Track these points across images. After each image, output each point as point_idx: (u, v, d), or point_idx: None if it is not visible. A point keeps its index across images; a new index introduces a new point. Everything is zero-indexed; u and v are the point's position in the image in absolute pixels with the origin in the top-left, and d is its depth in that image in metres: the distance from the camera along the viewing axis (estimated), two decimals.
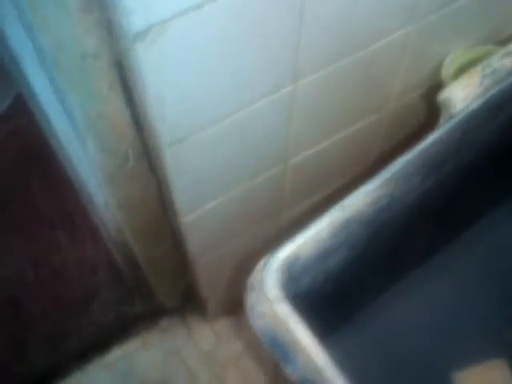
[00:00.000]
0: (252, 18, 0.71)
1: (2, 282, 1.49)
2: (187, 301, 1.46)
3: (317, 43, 0.81)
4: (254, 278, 0.73)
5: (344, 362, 0.65)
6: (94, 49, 0.71)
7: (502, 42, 1.07)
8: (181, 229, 1.06)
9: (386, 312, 0.95)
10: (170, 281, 1.35)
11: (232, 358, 1.46)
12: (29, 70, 0.76)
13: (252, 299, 0.71)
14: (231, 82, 0.77)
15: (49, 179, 1.60)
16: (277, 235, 1.27)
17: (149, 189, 1.02)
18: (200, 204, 1.01)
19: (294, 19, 0.75)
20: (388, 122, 1.08)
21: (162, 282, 1.34)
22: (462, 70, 0.99)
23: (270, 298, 0.69)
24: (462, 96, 0.94)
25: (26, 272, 1.50)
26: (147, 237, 1.14)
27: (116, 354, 1.45)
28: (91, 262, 1.50)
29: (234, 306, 1.48)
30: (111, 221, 1.09)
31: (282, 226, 1.24)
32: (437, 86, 1.03)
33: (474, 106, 0.89)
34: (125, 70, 0.75)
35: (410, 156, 0.81)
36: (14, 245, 1.53)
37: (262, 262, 0.74)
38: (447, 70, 0.98)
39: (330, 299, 0.83)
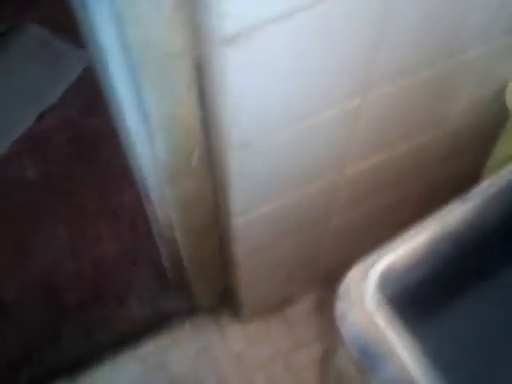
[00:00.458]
0: (336, 28, 0.73)
1: (42, 269, 1.52)
2: (223, 301, 1.48)
3: (391, 58, 0.83)
4: (348, 286, 0.74)
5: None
6: (178, 48, 0.73)
7: None
8: (231, 230, 1.08)
9: (473, 310, 0.92)
10: (210, 280, 1.37)
11: (262, 361, 1.47)
12: (111, 64, 0.78)
13: (344, 307, 0.73)
14: (305, 90, 0.79)
15: (95, 171, 1.62)
16: (322, 242, 1.29)
17: (205, 189, 1.03)
18: (254, 207, 1.02)
19: (373, 35, 0.77)
20: (449, 140, 1.09)
21: (202, 280, 1.36)
22: None
23: (366, 308, 0.70)
24: None
25: (67, 261, 1.52)
26: (196, 235, 1.16)
27: (148, 347, 1.47)
28: (131, 255, 1.52)
29: (269, 310, 1.50)
30: (164, 217, 1.11)
31: (328, 234, 1.25)
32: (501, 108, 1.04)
33: None
34: (203, 72, 0.77)
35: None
36: (57, 234, 1.55)
37: (355, 271, 0.76)
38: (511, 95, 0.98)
39: (417, 304, 0.83)
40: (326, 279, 1.52)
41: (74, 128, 1.67)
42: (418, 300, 0.79)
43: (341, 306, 0.73)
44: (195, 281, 1.35)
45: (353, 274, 0.75)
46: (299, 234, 1.20)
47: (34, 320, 1.46)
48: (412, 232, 0.78)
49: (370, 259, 0.76)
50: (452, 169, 1.22)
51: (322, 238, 1.27)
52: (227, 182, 0.94)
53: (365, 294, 0.71)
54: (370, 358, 0.67)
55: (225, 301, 1.48)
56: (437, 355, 0.67)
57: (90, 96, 1.72)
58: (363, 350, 0.68)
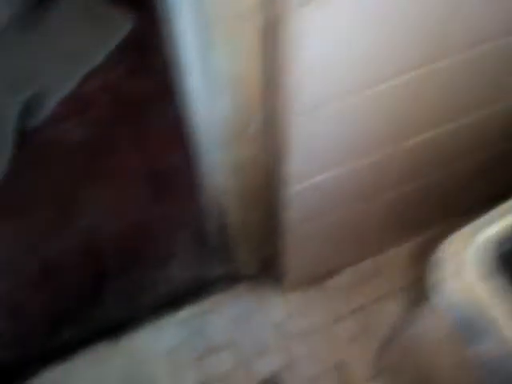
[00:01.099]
0: None
1: (84, 231, 1.52)
2: (264, 270, 1.47)
3: (464, 27, 0.79)
4: (444, 257, 0.73)
5: None
6: (251, 8, 0.71)
7: None
8: (284, 198, 1.06)
9: None
10: (254, 248, 1.36)
11: (301, 332, 1.47)
12: (182, 23, 0.76)
13: (440, 278, 0.71)
14: (377, 55, 0.76)
15: (138, 134, 1.62)
16: (370, 216, 1.27)
17: (260, 154, 1.02)
18: (311, 175, 1.01)
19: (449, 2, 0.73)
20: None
21: (246, 248, 1.35)
22: None
23: (466, 278, 0.68)
24: None
25: (109, 223, 1.52)
26: (247, 201, 1.15)
27: (188, 312, 1.47)
28: (174, 220, 1.52)
29: (310, 281, 1.49)
30: (217, 181, 1.09)
31: (378, 208, 1.22)
32: None
33: None
34: (275, 33, 0.74)
35: None
36: (99, 196, 1.55)
37: (451, 242, 0.74)
38: None
39: None
40: (368, 254, 1.51)
41: (117, 90, 1.65)
42: None
43: (436, 277, 0.72)
44: (239, 247, 1.34)
45: (449, 245, 0.74)
46: (350, 206, 1.18)
47: (76, 280, 1.47)
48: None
49: (466, 230, 0.74)
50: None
51: (371, 212, 1.25)
52: (286, 148, 0.92)
53: (464, 265, 0.69)
54: (468, 330, 0.65)
55: (266, 270, 1.47)
56: None
57: (133, 59, 1.71)
58: (461, 320, 0.66)
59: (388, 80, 0.82)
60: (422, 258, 1.51)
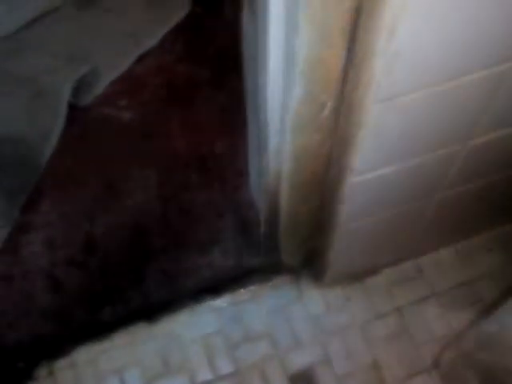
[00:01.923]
0: None
1: (129, 211, 1.53)
2: (306, 263, 1.47)
3: None
4: None
5: None
6: None
7: None
8: (344, 190, 1.06)
9: None
10: (299, 239, 1.36)
11: (338, 328, 1.46)
12: (271, 2, 0.75)
13: None
14: (465, 47, 0.76)
15: (188, 120, 1.62)
16: (422, 218, 1.26)
17: (325, 143, 1.01)
18: (374, 167, 1.00)
19: None
20: None
21: (292, 238, 1.35)
22: None
23: None
24: None
25: (154, 205, 1.53)
26: (302, 190, 1.14)
27: (226, 300, 1.47)
28: (218, 207, 1.52)
29: (351, 277, 1.48)
30: (274, 169, 1.09)
31: (435, 207, 1.21)
32: None
33: None
34: (365, 16, 0.74)
35: None
36: (146, 178, 1.56)
37: None
38: None
39: None
40: (411, 254, 1.50)
41: (171, 73, 1.66)
42: None
43: None
44: (285, 238, 1.34)
45: None
46: (404, 203, 1.18)
47: (119, 260, 1.48)
48: None
49: None
50: None
51: (423, 211, 1.24)
52: (356, 137, 0.91)
53: None
54: None
55: (308, 263, 1.46)
56: None
57: (188, 42, 1.71)
58: None
59: (470, 73, 0.81)
60: (465, 262, 1.52)
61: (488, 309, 1.32)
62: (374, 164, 0.98)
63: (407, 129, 0.90)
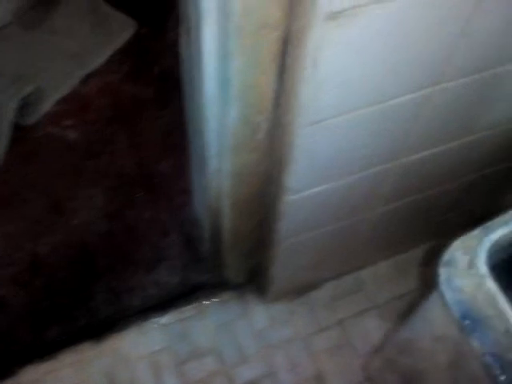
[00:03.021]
0: (429, 15, 0.74)
1: (75, 230, 1.53)
2: (250, 279, 1.50)
3: (470, 54, 0.84)
4: (454, 254, 0.79)
5: None
6: (275, 20, 0.75)
7: None
8: (279, 207, 1.10)
9: None
10: (243, 256, 1.39)
11: (283, 342, 1.49)
12: (203, 31, 0.79)
13: (449, 273, 0.77)
14: (390, 73, 0.81)
15: (133, 139, 1.64)
16: (359, 231, 1.31)
17: (262, 163, 1.05)
18: (308, 186, 1.04)
19: (459, 27, 0.78)
20: (500, 141, 1.11)
21: (236, 255, 1.38)
22: None
23: (475, 274, 0.73)
24: None
25: (100, 224, 1.54)
26: (242, 209, 1.18)
27: (173, 316, 1.49)
28: (164, 224, 1.54)
29: (294, 292, 1.52)
30: (215, 186, 1.12)
31: (367, 223, 1.27)
32: None
33: None
34: (293, 45, 0.78)
35: None
36: (92, 196, 1.57)
37: (461, 241, 0.81)
38: None
39: None
40: (351, 268, 1.55)
41: (116, 93, 1.68)
42: None
43: (446, 272, 0.77)
44: (229, 255, 1.37)
45: (459, 244, 0.80)
46: (341, 219, 1.22)
47: (65, 278, 1.48)
48: None
49: (476, 232, 0.81)
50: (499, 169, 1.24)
51: (360, 226, 1.29)
52: (289, 158, 0.95)
53: (474, 262, 0.74)
54: (474, 322, 0.70)
55: (252, 279, 1.50)
56: None
57: (133, 64, 1.74)
58: (468, 313, 0.71)
59: (395, 98, 0.87)
60: (403, 275, 1.58)
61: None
62: (308, 183, 1.03)
63: (337, 149, 0.95)
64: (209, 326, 1.50)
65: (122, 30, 1.72)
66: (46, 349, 1.42)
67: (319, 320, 1.52)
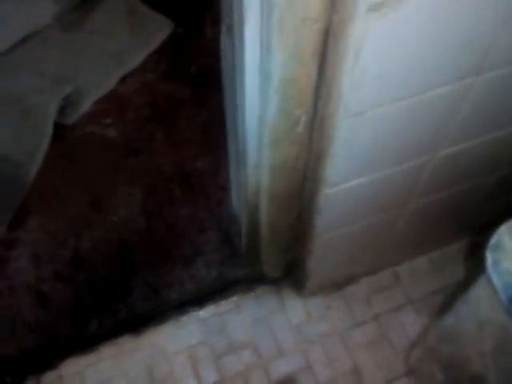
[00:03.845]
0: (469, 6, 0.75)
1: (114, 226, 1.57)
2: (287, 273, 1.51)
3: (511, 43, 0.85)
4: (501, 238, 0.80)
5: None
6: (316, 13, 0.76)
7: None
8: (318, 200, 1.11)
9: None
10: (280, 250, 1.40)
11: (319, 336, 1.50)
12: (245, 25, 0.81)
13: (497, 257, 0.78)
14: (430, 64, 0.82)
15: (171, 137, 1.67)
16: (394, 227, 1.31)
17: (301, 156, 1.07)
18: (347, 179, 1.05)
19: (499, 16, 0.79)
20: None
21: (273, 250, 1.39)
22: None
23: None
24: None
25: (139, 220, 1.57)
26: (280, 204, 1.19)
27: (210, 310, 1.51)
28: (202, 221, 1.56)
29: (331, 286, 1.53)
30: (254, 181, 1.14)
31: (408, 217, 1.27)
32: None
33: None
34: (334, 37, 0.80)
35: None
36: (131, 194, 1.60)
37: (506, 227, 0.82)
38: None
39: None
40: (387, 263, 1.55)
41: (153, 92, 1.71)
42: None
43: (493, 256, 0.78)
44: (266, 249, 1.39)
45: (506, 228, 0.81)
46: (378, 213, 1.23)
47: (105, 274, 1.51)
48: None
49: None
50: None
51: (395, 221, 1.30)
52: (329, 151, 0.96)
53: None
54: None
55: (289, 273, 1.51)
56: None
57: (171, 62, 1.77)
58: None
59: (435, 89, 0.87)
60: (439, 270, 1.57)
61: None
62: (346, 176, 1.04)
63: (377, 141, 0.96)
64: (246, 320, 1.52)
65: (160, 30, 1.75)
66: (86, 342, 1.46)
67: (355, 315, 1.53)
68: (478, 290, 0.83)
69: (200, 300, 1.51)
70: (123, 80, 1.72)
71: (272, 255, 1.42)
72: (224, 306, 1.53)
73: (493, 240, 0.77)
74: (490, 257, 0.76)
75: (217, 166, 1.60)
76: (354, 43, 0.75)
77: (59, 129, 1.67)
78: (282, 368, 1.48)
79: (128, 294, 1.50)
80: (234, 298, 1.53)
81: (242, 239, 1.44)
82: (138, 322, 1.48)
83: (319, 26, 0.79)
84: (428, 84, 0.86)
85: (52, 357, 1.45)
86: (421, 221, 1.33)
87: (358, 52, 0.76)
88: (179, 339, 1.49)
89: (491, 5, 0.77)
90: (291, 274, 1.51)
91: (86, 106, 1.67)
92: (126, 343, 1.48)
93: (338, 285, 1.54)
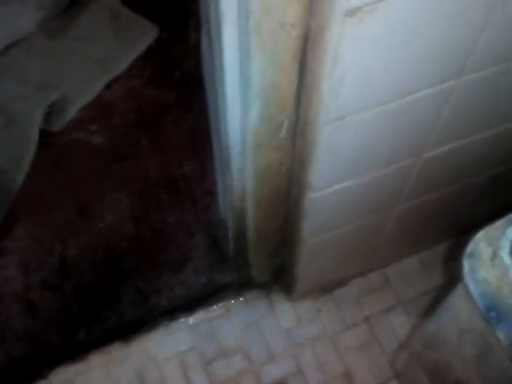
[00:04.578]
0: (448, 9, 0.74)
1: (102, 233, 1.56)
2: (276, 278, 1.51)
3: (490, 46, 0.84)
4: (477, 246, 0.79)
5: None
6: (293, 18, 0.76)
7: None
8: (303, 205, 1.11)
9: None
10: (268, 255, 1.40)
11: (310, 340, 1.50)
12: (223, 30, 0.80)
13: (473, 265, 0.77)
14: (410, 68, 0.81)
15: (157, 142, 1.66)
16: (381, 229, 1.31)
17: (285, 161, 1.06)
18: (331, 183, 1.05)
19: (480, 20, 0.79)
20: None
21: (261, 254, 1.39)
22: None
23: (500, 265, 0.73)
24: None
25: (126, 226, 1.56)
26: (266, 208, 1.19)
27: (200, 316, 1.51)
28: (189, 226, 1.56)
29: (320, 290, 1.52)
30: (238, 187, 1.13)
31: (390, 221, 1.27)
32: None
33: None
34: (312, 42, 0.79)
35: None
36: (118, 200, 1.60)
37: (484, 233, 0.81)
38: None
39: None
40: (377, 265, 1.55)
41: (139, 98, 1.70)
42: None
43: (470, 264, 0.77)
44: (254, 254, 1.38)
45: (483, 235, 0.80)
46: (365, 216, 1.23)
47: (93, 281, 1.50)
48: None
49: (499, 223, 0.81)
50: None
51: (384, 223, 1.30)
52: (312, 155, 0.96)
53: (498, 253, 0.74)
54: (499, 313, 0.70)
55: (278, 278, 1.51)
56: None
57: (155, 68, 1.76)
58: (493, 305, 0.71)
59: (416, 93, 0.87)
60: (429, 271, 1.57)
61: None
62: (331, 180, 1.03)
63: (359, 146, 0.96)
64: (236, 325, 1.51)
65: (144, 35, 1.74)
66: (75, 351, 1.45)
67: (346, 317, 1.52)
68: (457, 297, 0.82)
69: (189, 306, 1.50)
70: (109, 86, 1.71)
71: (260, 259, 1.42)
72: (214, 311, 1.52)
73: (469, 247, 0.77)
74: (466, 264, 0.75)
75: (203, 171, 1.59)
76: (332, 48, 0.74)
77: (45, 135, 1.66)
78: (272, 373, 1.47)
79: (117, 300, 1.49)
80: (224, 304, 1.52)
81: (229, 244, 1.43)
82: (128, 329, 1.48)
83: (298, 32, 0.78)
84: (408, 88, 0.85)
85: (41, 366, 1.44)
86: (410, 222, 1.33)
87: (336, 57, 0.75)
88: (169, 346, 1.48)
89: (470, 8, 0.76)
90: (280, 278, 1.50)
91: (71, 112, 1.66)
92: (116, 351, 1.47)
93: (327, 287, 1.54)
